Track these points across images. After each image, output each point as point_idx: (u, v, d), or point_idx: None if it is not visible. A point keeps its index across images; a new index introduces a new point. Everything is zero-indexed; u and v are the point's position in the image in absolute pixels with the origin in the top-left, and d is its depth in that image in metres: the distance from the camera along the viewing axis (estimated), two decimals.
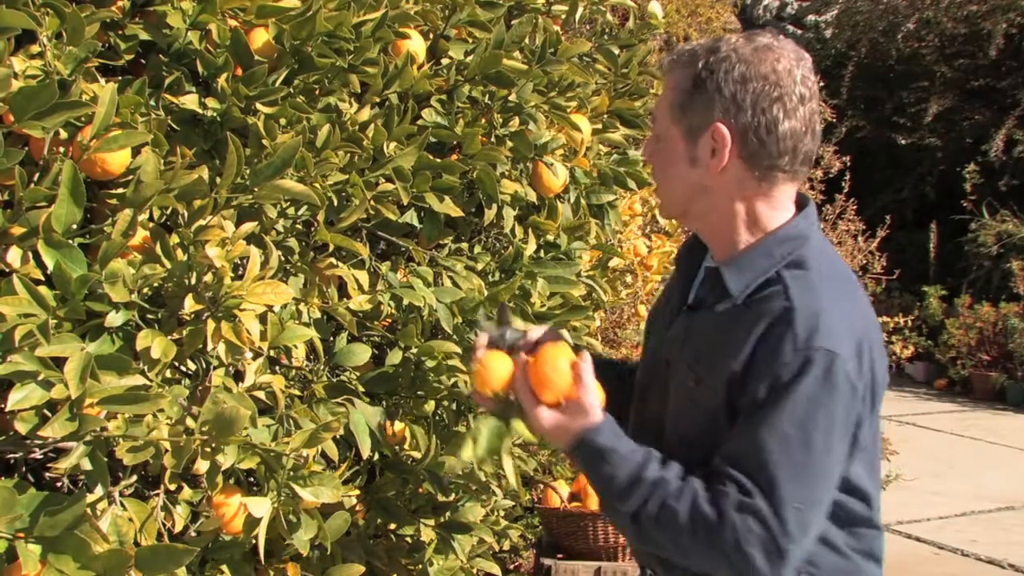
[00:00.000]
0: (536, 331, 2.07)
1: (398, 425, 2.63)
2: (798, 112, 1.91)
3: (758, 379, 1.86)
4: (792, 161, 1.94)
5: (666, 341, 2.07)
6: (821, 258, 1.98)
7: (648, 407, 2.11)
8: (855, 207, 8.04)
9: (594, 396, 1.94)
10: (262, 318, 1.99)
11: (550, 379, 1.94)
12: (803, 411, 1.84)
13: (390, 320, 2.56)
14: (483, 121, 2.56)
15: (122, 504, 1.90)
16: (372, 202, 2.30)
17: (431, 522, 2.64)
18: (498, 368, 1.98)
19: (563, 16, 2.91)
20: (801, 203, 2.03)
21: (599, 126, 3.02)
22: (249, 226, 2.00)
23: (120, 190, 1.99)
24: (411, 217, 2.48)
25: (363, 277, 2.40)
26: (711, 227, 2.03)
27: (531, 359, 1.96)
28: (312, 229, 2.34)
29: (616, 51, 3.06)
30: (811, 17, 15.30)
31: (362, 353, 2.40)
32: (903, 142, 13.03)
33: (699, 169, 1.97)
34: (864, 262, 7.85)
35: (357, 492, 2.47)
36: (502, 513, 2.95)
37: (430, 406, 2.64)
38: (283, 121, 2.17)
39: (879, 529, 2.02)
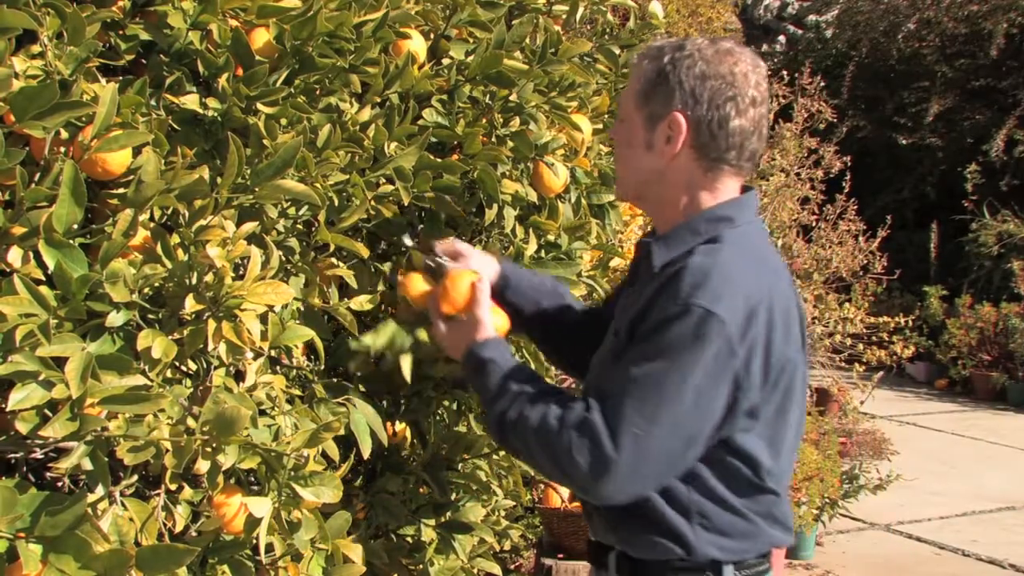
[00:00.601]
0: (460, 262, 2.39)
1: (399, 425, 2.63)
2: (748, 113, 2.11)
3: (642, 326, 2.05)
4: (738, 156, 2.14)
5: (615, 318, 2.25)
6: (742, 239, 2.13)
7: None
8: (856, 207, 8.03)
9: (486, 313, 2.25)
10: (263, 318, 1.99)
11: (451, 294, 2.28)
12: (664, 355, 2.00)
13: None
14: (484, 121, 2.56)
15: (123, 504, 1.90)
16: (372, 202, 2.30)
17: (432, 522, 2.64)
18: (417, 284, 2.36)
19: (564, 16, 2.91)
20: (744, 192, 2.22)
21: (600, 126, 3.02)
22: (250, 226, 2.00)
23: (121, 190, 1.99)
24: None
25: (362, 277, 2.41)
26: (658, 211, 2.21)
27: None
28: (313, 229, 2.34)
29: (617, 51, 3.05)
30: (812, 17, 15.30)
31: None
32: (904, 142, 13.04)
33: (654, 154, 2.16)
34: (865, 262, 7.84)
35: (358, 492, 2.47)
36: (503, 513, 2.95)
37: (432, 405, 2.64)
38: (284, 121, 2.17)
39: (777, 495, 2.16)
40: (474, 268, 2.35)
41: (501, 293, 2.44)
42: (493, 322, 2.27)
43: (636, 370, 2.01)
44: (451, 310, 2.28)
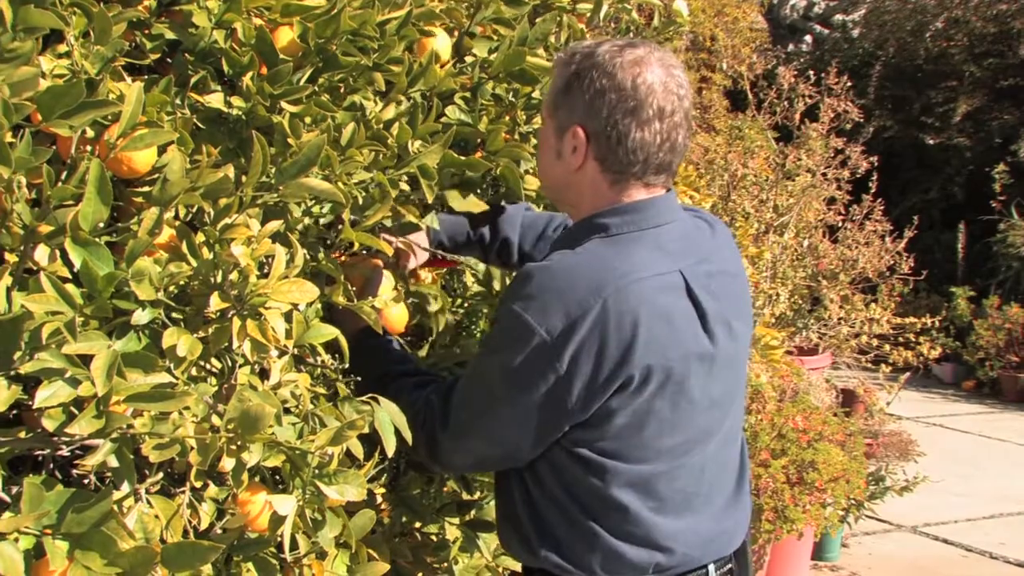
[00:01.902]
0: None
1: None
2: (653, 125, 2.07)
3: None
4: (644, 170, 2.12)
5: None
6: (608, 244, 2.12)
7: None
8: (882, 207, 7.99)
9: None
10: (287, 316, 1.99)
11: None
12: (487, 352, 2.21)
13: (415, 321, 2.56)
14: (507, 118, 2.56)
15: (148, 501, 1.91)
16: (393, 203, 2.31)
17: (456, 520, 2.64)
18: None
19: (588, 14, 2.91)
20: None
21: None
22: (274, 224, 2.00)
23: (146, 188, 2.00)
24: (431, 220, 2.48)
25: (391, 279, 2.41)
26: (573, 214, 2.26)
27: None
28: (336, 227, 2.34)
29: None
30: (838, 16, 15.23)
31: None
32: (931, 142, 12.96)
33: (562, 162, 2.18)
34: (891, 262, 7.81)
35: (382, 490, 2.47)
36: None
37: None
38: (308, 119, 2.18)
39: (628, 511, 2.14)
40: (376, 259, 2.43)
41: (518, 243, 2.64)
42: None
43: (473, 362, 2.25)
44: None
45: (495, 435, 2.16)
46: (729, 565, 2.28)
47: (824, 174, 7.60)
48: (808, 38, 15.28)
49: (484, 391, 2.16)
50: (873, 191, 7.92)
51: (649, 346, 2.05)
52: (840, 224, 7.83)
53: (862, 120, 8.54)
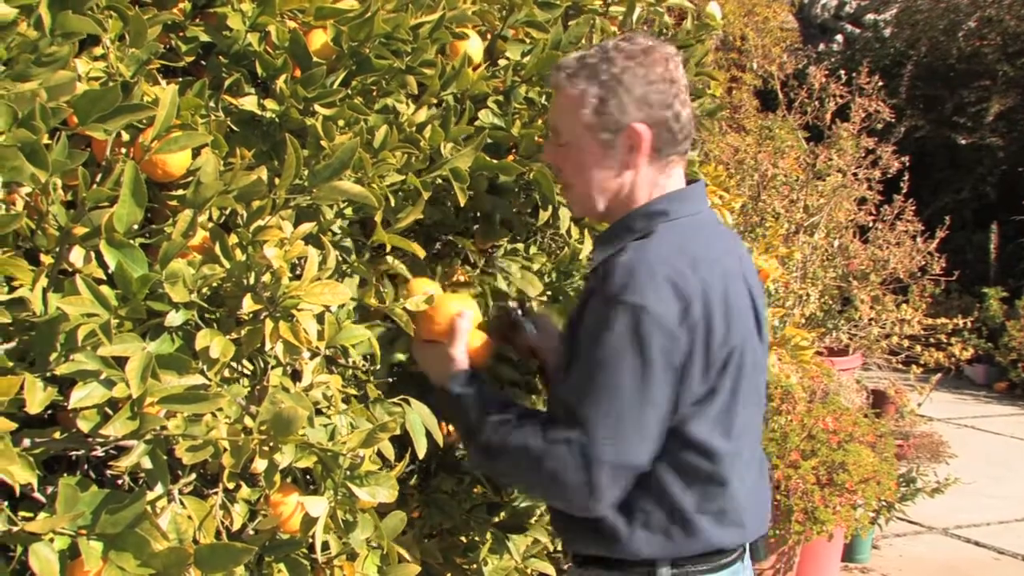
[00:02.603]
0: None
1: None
2: (687, 100, 2.21)
3: (581, 329, 2.12)
4: (686, 145, 2.25)
5: None
6: (674, 232, 2.19)
7: None
8: (914, 208, 7.94)
9: (458, 349, 2.29)
10: (319, 318, 2.00)
11: (432, 320, 2.30)
12: (611, 359, 2.06)
13: None
14: (540, 122, 2.56)
15: (181, 502, 1.92)
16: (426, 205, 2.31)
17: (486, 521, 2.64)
18: (444, 306, 2.32)
19: (620, 17, 2.90)
20: (691, 183, 2.30)
21: None
22: (307, 227, 2.01)
23: (180, 191, 2.01)
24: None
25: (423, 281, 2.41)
26: (614, 218, 2.27)
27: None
28: (369, 230, 2.35)
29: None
30: (870, 16, 15.14)
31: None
32: (963, 142, 12.87)
33: (618, 170, 2.21)
34: (923, 263, 7.76)
35: (413, 492, 2.48)
36: None
37: None
38: (341, 122, 2.18)
39: (726, 484, 2.18)
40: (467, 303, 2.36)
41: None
42: (472, 348, 2.32)
43: (592, 379, 2.09)
44: (430, 336, 2.32)
45: (647, 442, 2.10)
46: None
47: (855, 174, 7.56)
48: (839, 37, 15.20)
49: (625, 402, 2.07)
50: (904, 191, 7.88)
51: (736, 323, 2.15)
52: (871, 224, 7.78)
53: (893, 120, 8.48)
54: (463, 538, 2.65)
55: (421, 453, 2.30)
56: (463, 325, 2.30)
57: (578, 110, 2.18)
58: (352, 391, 2.26)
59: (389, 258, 2.38)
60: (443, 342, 2.30)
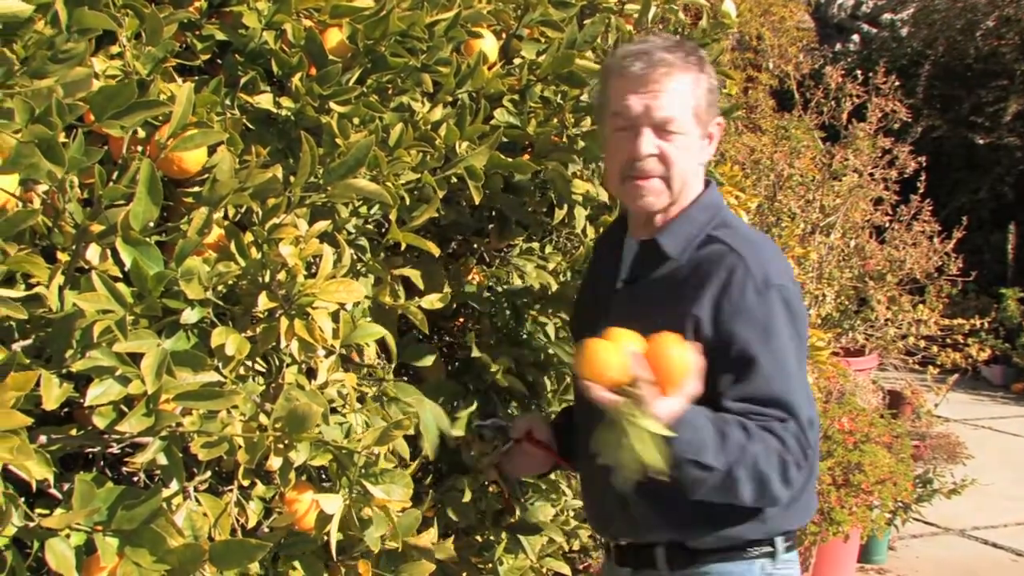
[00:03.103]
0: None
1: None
2: None
3: (734, 323, 2.12)
4: None
5: (608, 321, 2.16)
6: (736, 219, 2.33)
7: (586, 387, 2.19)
8: (931, 208, 7.91)
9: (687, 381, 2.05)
10: (334, 316, 2.00)
11: (671, 368, 1.99)
12: (787, 343, 2.13)
13: (462, 320, 2.57)
14: (555, 121, 2.55)
15: (197, 499, 1.92)
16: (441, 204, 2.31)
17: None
18: (613, 355, 1.98)
19: (636, 15, 2.90)
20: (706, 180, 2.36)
21: None
22: (322, 224, 2.01)
23: (196, 188, 2.02)
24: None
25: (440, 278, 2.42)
26: (671, 208, 2.29)
27: (645, 349, 2.01)
28: (384, 228, 2.35)
29: None
30: (887, 15, 15.09)
31: (428, 357, 2.43)
32: (981, 141, 12.80)
33: (700, 160, 2.29)
34: (940, 263, 7.73)
35: (428, 490, 2.48)
36: (572, 513, 2.94)
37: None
38: (356, 120, 2.19)
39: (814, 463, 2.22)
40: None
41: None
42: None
43: (783, 367, 2.12)
44: (674, 389, 2.00)
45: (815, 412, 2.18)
46: None
47: (871, 174, 7.53)
48: (856, 37, 15.15)
49: (803, 380, 2.17)
50: (921, 191, 7.84)
51: None
52: (887, 224, 7.75)
53: (910, 120, 8.44)
54: (478, 537, 2.65)
55: (429, 452, 2.30)
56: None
57: (692, 98, 2.22)
58: (367, 389, 2.26)
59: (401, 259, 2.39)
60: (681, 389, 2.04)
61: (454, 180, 2.34)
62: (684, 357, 2.01)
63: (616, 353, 1.97)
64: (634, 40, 2.42)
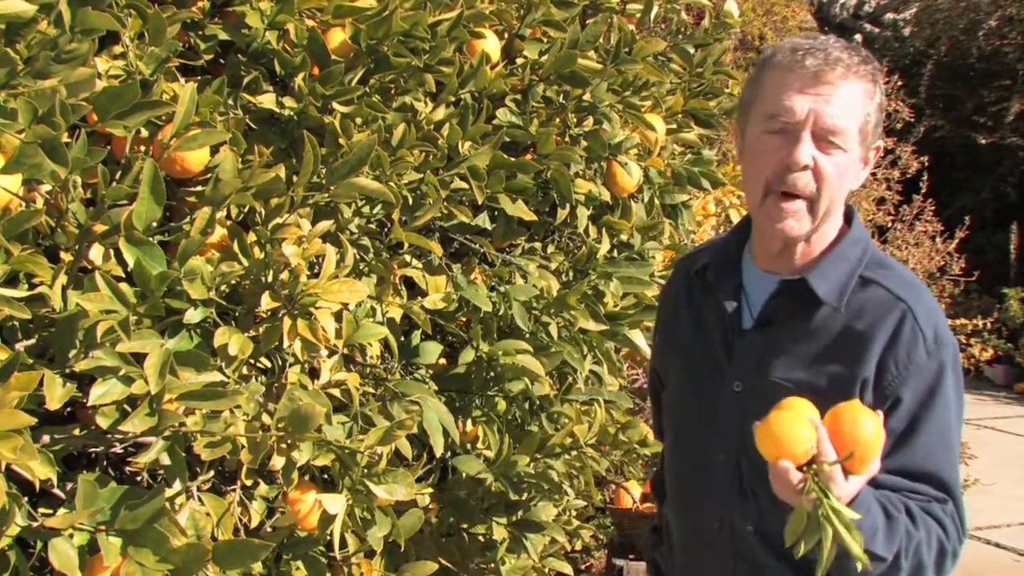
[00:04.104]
0: None
1: (470, 424, 2.63)
2: None
3: (901, 386, 1.85)
4: None
5: (728, 367, 1.98)
6: (884, 255, 1.99)
7: (707, 441, 2.01)
8: (933, 208, 7.91)
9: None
10: (337, 316, 2.00)
11: (865, 444, 1.69)
12: (953, 410, 1.88)
13: (465, 319, 2.57)
14: (557, 120, 2.56)
15: (200, 499, 1.93)
16: (445, 203, 2.31)
17: (504, 521, 2.64)
18: (800, 429, 1.69)
19: (638, 15, 2.90)
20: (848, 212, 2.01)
21: (673, 126, 3.00)
22: (325, 224, 2.01)
23: (199, 188, 2.02)
24: (483, 220, 2.48)
25: (440, 280, 2.40)
26: (813, 238, 1.94)
27: (827, 421, 1.71)
28: (386, 228, 2.35)
29: (691, 50, 3.04)
30: (889, 15, 15.08)
31: (434, 351, 2.41)
32: (983, 142, 12.80)
33: (852, 186, 1.92)
34: (943, 263, 7.73)
35: (430, 490, 2.48)
36: (574, 513, 2.94)
37: (502, 405, 2.64)
38: (359, 120, 2.19)
39: None
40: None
41: None
42: None
43: (946, 441, 1.89)
44: (863, 467, 1.73)
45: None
46: None
47: (874, 174, 7.53)
48: (858, 37, 15.13)
49: (956, 451, 1.93)
50: (924, 191, 7.85)
51: None
52: (890, 224, 7.75)
53: (913, 120, 8.45)
54: (480, 537, 2.65)
55: (438, 451, 2.30)
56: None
57: (864, 110, 1.88)
58: (370, 389, 2.26)
59: (406, 257, 2.39)
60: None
61: (456, 180, 2.34)
62: (877, 432, 1.71)
63: (804, 425, 1.69)
64: (800, 35, 2.03)
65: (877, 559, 1.75)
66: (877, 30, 15.02)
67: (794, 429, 1.68)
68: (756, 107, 1.91)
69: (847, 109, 1.84)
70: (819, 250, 1.94)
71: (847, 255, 1.93)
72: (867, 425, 1.70)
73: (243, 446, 1.82)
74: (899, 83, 8.01)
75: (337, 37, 2.22)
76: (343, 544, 2.00)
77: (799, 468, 1.67)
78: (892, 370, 1.85)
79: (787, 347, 1.93)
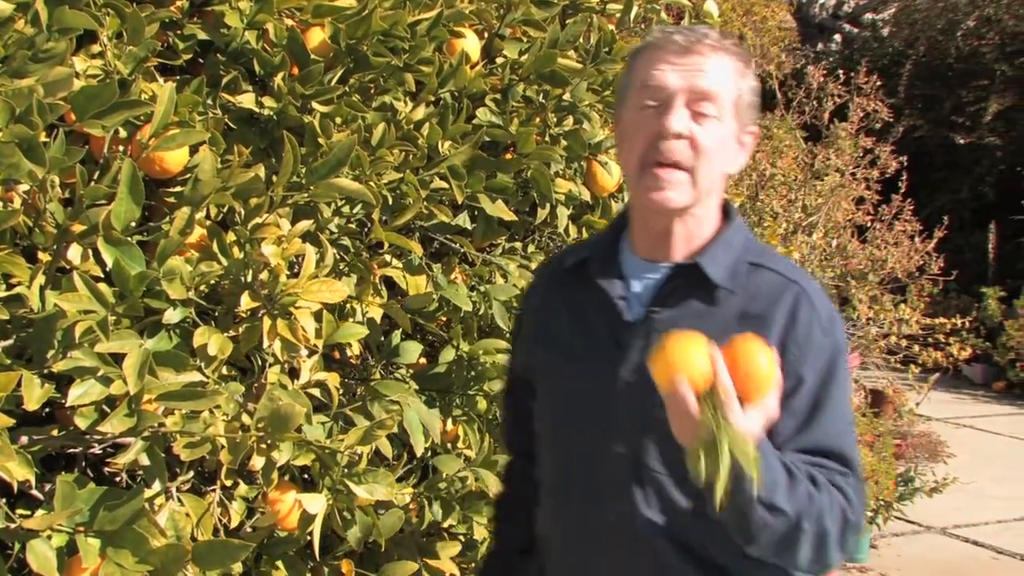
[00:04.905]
0: None
1: (450, 423, 2.63)
2: None
3: (801, 365, 1.86)
4: None
5: (619, 358, 1.93)
6: (763, 244, 2.00)
7: (601, 436, 1.95)
8: (912, 207, 7.94)
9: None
10: (317, 316, 2.00)
11: (757, 377, 1.69)
12: (847, 389, 1.91)
13: (446, 318, 2.57)
14: (537, 120, 2.56)
15: (179, 499, 1.92)
16: (425, 203, 2.30)
17: (483, 519, 2.64)
18: (697, 354, 1.67)
19: (618, 15, 2.90)
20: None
21: None
22: (305, 224, 2.01)
23: (178, 188, 2.02)
24: (463, 220, 2.48)
25: (420, 279, 2.40)
26: (691, 223, 1.92)
27: (725, 351, 1.69)
28: (366, 228, 2.35)
29: None
30: (868, 15, 15.16)
31: (414, 351, 2.41)
32: (962, 141, 12.88)
33: (729, 167, 1.92)
34: (921, 263, 7.76)
35: (411, 490, 2.48)
36: None
37: (483, 404, 2.64)
38: (339, 120, 2.19)
39: None
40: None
41: None
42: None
43: (844, 415, 1.91)
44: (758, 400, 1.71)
45: None
46: None
47: (853, 174, 7.56)
48: (837, 37, 15.21)
49: (852, 424, 1.96)
50: (903, 191, 7.87)
51: None
52: (869, 224, 7.78)
53: (892, 119, 8.47)
54: (462, 537, 2.64)
55: (419, 450, 2.30)
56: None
57: (737, 85, 1.87)
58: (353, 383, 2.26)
59: (386, 257, 2.38)
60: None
61: (436, 179, 2.34)
62: (771, 366, 1.71)
63: (700, 353, 1.67)
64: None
65: (778, 511, 1.73)
66: (856, 30, 15.10)
67: (691, 354, 1.67)
68: (630, 88, 1.90)
69: (718, 78, 1.85)
70: (699, 239, 1.93)
71: (732, 242, 1.94)
72: (761, 359, 1.70)
73: (223, 446, 1.81)
74: (878, 83, 8.03)
75: (317, 37, 2.22)
76: (323, 543, 2.00)
77: (696, 397, 1.65)
78: (793, 351, 1.86)
79: (708, 325, 1.86)
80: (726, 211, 1.99)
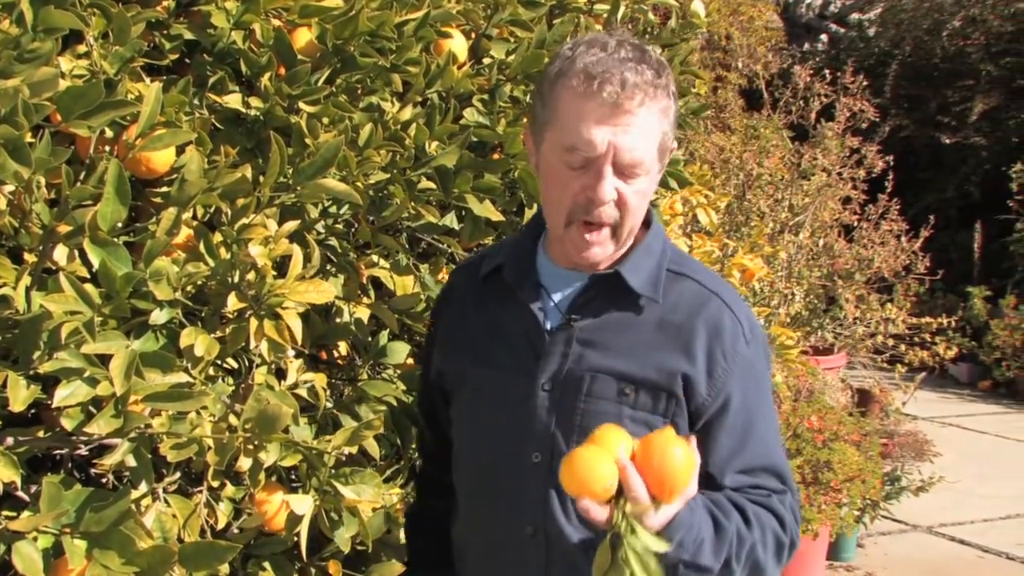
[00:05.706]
0: None
1: None
2: None
3: (729, 381, 1.90)
4: None
5: (536, 366, 1.95)
6: (679, 249, 2.06)
7: (519, 444, 1.95)
8: (898, 207, 7.97)
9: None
10: (304, 316, 2.00)
11: (674, 475, 1.69)
12: (769, 392, 1.99)
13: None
14: (525, 120, 2.55)
15: (166, 501, 1.92)
16: (412, 204, 2.30)
17: None
18: (603, 464, 1.67)
19: (605, 15, 2.90)
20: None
21: None
22: (292, 225, 2.00)
23: (165, 188, 2.01)
24: (451, 220, 2.48)
25: (408, 280, 2.40)
26: (628, 239, 1.95)
27: (637, 452, 1.70)
28: (354, 228, 2.34)
29: (658, 50, 3.04)
30: (854, 15, 15.18)
31: (401, 351, 2.41)
32: (948, 141, 12.91)
33: (651, 197, 1.95)
34: (907, 262, 7.78)
35: (399, 491, 2.48)
36: None
37: None
38: (326, 120, 2.18)
39: None
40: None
41: None
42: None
43: (770, 427, 1.97)
44: (676, 496, 1.72)
45: None
46: None
47: (840, 173, 7.58)
48: (824, 37, 15.24)
49: (776, 423, 2.02)
50: (889, 190, 7.90)
51: None
52: (856, 223, 7.81)
53: (878, 119, 8.51)
54: None
55: (407, 450, 2.30)
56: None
57: (660, 135, 1.87)
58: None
59: (373, 257, 2.38)
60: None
61: (424, 180, 2.34)
62: (687, 460, 1.70)
63: (607, 462, 1.67)
64: (586, 37, 1.95)
65: (704, 570, 1.79)
66: (842, 30, 15.13)
67: (595, 467, 1.66)
68: (552, 130, 1.88)
69: (646, 137, 1.84)
70: (623, 244, 1.95)
71: (651, 248, 1.97)
72: (677, 455, 1.69)
73: (210, 447, 1.81)
74: (864, 83, 8.05)
75: (303, 37, 2.22)
76: (311, 545, 2.00)
77: (608, 502, 1.67)
78: (721, 362, 1.90)
79: (602, 340, 1.93)
80: (646, 217, 1.99)
